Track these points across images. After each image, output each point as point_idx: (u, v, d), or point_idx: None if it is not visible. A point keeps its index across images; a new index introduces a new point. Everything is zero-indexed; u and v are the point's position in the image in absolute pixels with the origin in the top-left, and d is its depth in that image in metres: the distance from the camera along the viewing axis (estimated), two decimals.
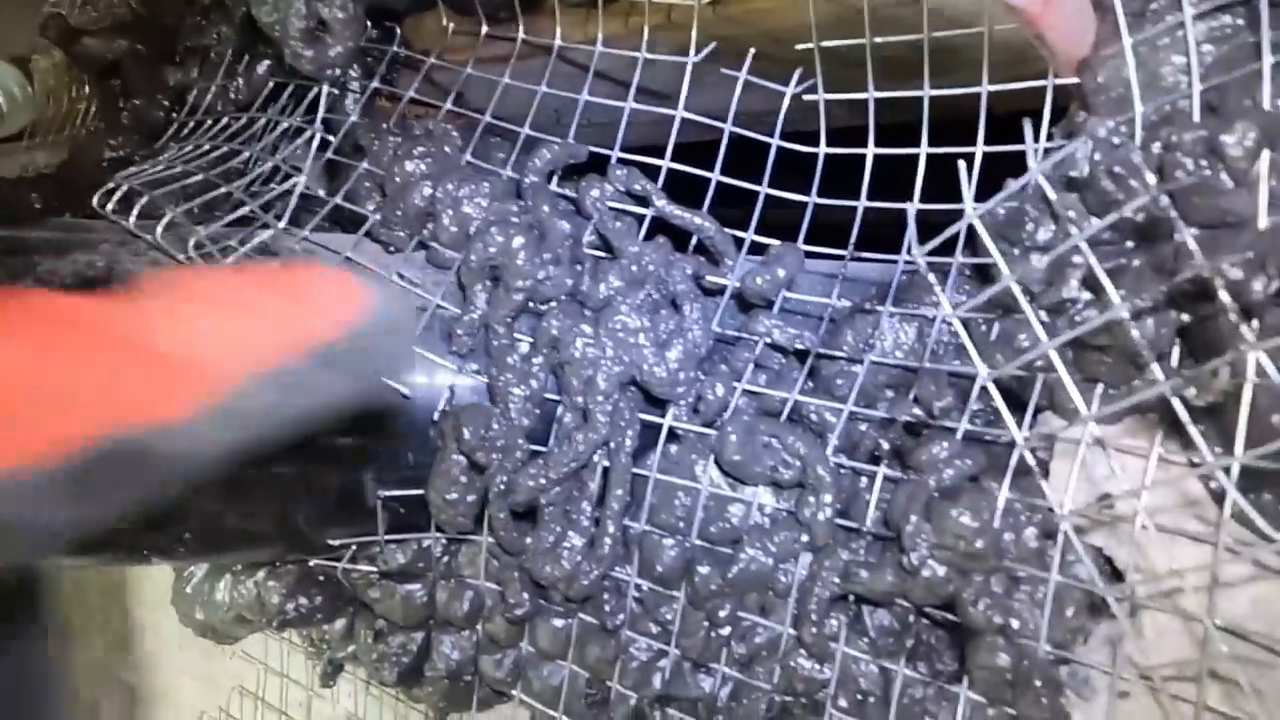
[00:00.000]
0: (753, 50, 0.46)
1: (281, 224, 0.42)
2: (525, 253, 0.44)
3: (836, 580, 0.40)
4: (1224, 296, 0.27)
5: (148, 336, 0.30)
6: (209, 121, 0.55)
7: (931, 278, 0.37)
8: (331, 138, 0.46)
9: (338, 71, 0.46)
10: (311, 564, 0.50)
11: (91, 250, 0.43)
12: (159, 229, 0.42)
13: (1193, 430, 0.29)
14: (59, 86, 0.83)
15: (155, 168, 0.50)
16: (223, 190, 0.45)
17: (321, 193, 0.49)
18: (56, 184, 0.62)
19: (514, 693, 0.47)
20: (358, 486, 0.45)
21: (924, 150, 0.43)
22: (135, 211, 0.43)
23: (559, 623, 0.46)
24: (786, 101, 0.46)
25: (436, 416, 0.44)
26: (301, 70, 0.46)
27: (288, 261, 0.37)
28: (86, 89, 0.73)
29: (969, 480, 0.37)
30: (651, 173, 0.47)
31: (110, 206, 0.48)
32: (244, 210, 0.43)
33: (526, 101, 0.49)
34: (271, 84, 0.52)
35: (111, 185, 0.47)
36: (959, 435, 0.37)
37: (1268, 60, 0.30)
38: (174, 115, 0.58)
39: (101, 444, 0.27)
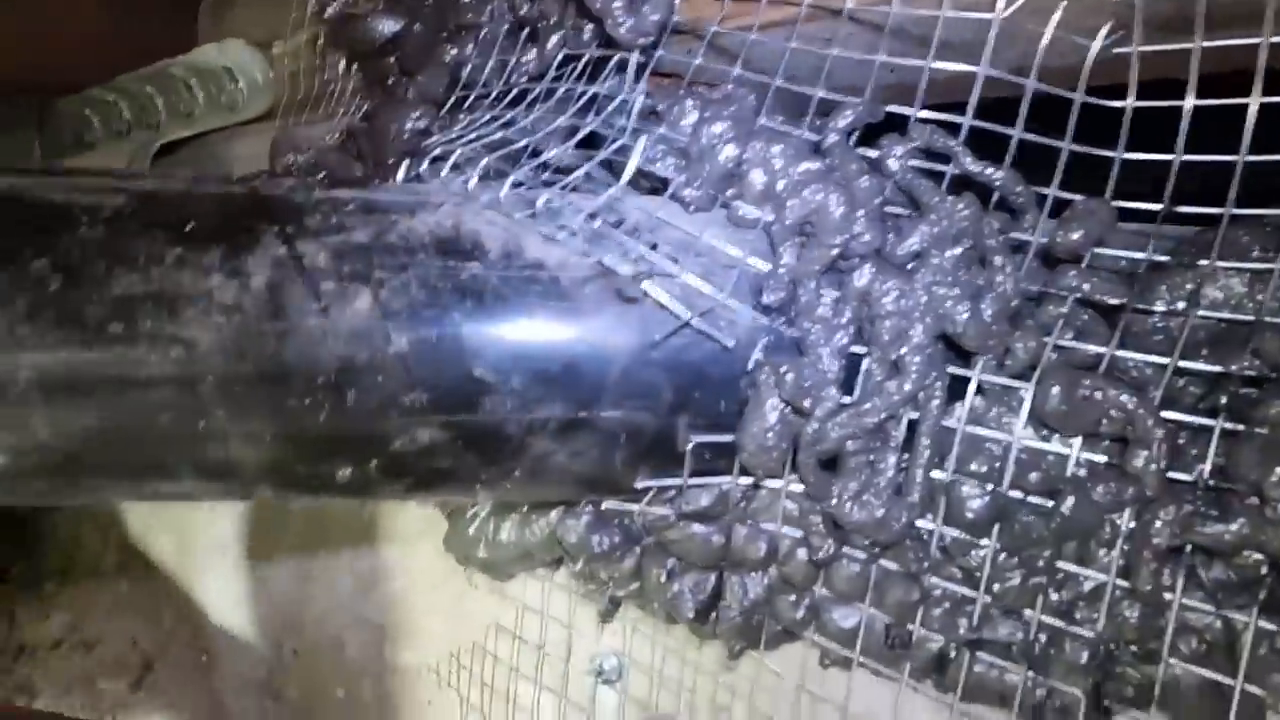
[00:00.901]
0: (1063, 3, 0.46)
1: (623, 182, 0.45)
2: (839, 209, 0.45)
3: (1174, 531, 0.40)
4: None
5: None
6: (493, 93, 0.59)
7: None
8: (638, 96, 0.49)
9: (651, 39, 0.49)
10: (604, 505, 0.54)
11: (434, 211, 0.47)
12: (504, 188, 0.46)
13: None
14: (302, 70, 0.90)
15: (462, 136, 0.54)
16: (550, 154, 0.48)
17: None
18: (345, 156, 0.67)
19: (807, 633, 0.49)
20: (672, 432, 0.47)
21: (1256, 100, 0.42)
22: (476, 173, 0.47)
23: (858, 568, 0.48)
24: (1093, 52, 0.45)
25: (751, 366, 0.46)
26: (619, 39, 0.49)
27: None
28: (341, 71, 0.79)
29: None
30: (949, 129, 0.48)
31: (425, 171, 0.52)
32: (580, 172, 0.46)
33: (810, 63, 0.51)
34: (561, 55, 0.55)
35: (437, 152, 0.51)
36: None
37: None
38: (453, 90, 0.62)
39: None
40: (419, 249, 0.45)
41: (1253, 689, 0.38)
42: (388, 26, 0.69)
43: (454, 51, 0.64)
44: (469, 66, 0.63)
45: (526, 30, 0.60)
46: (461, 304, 0.44)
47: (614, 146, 0.47)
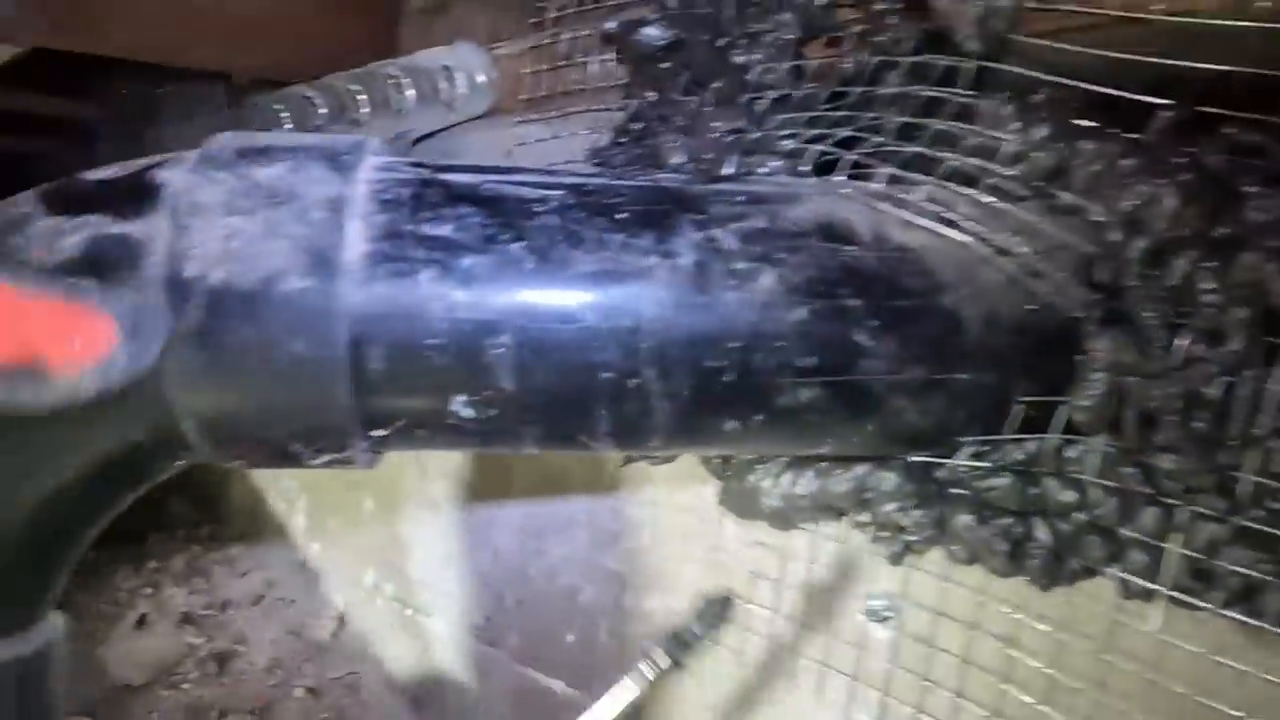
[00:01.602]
0: None
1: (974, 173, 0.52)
2: (1170, 203, 0.52)
3: None
4: None
5: None
6: (788, 98, 0.66)
7: None
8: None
9: (996, 45, 0.56)
10: (910, 458, 0.61)
11: (808, 200, 0.55)
12: (878, 183, 0.53)
13: None
14: (529, 73, 0.98)
15: (794, 133, 0.62)
16: (897, 151, 0.56)
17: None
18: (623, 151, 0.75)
19: (1110, 571, 0.57)
20: (1008, 393, 0.55)
21: None
22: (846, 168, 0.55)
23: (1159, 511, 0.55)
24: None
25: (1083, 335, 0.53)
26: (964, 46, 0.56)
27: None
28: (592, 71, 0.87)
29: None
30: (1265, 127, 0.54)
31: (772, 165, 0.60)
32: (946, 166, 0.54)
33: (1116, 68, 0.57)
34: (877, 62, 0.62)
35: (786, 147, 0.59)
36: None
37: None
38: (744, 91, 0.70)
39: None
40: (807, 233, 0.53)
41: None
42: (663, 35, 0.77)
43: (742, 58, 0.71)
44: (756, 70, 0.70)
45: (823, 34, 0.67)
46: (844, 280, 0.52)
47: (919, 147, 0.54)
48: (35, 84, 1.43)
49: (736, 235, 0.52)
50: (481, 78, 1.06)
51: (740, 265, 0.51)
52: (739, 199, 0.54)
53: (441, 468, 1.12)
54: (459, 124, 1.07)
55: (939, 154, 0.57)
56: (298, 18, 1.23)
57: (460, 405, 0.50)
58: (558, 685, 0.99)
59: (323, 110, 1.28)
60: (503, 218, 0.50)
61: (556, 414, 0.52)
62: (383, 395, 0.49)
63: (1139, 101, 0.56)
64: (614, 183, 0.55)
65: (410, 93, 1.16)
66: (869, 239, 0.53)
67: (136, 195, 0.48)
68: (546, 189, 0.52)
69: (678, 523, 0.84)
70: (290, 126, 1.32)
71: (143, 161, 0.51)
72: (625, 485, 0.89)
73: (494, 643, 1.07)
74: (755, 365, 0.52)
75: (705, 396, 0.52)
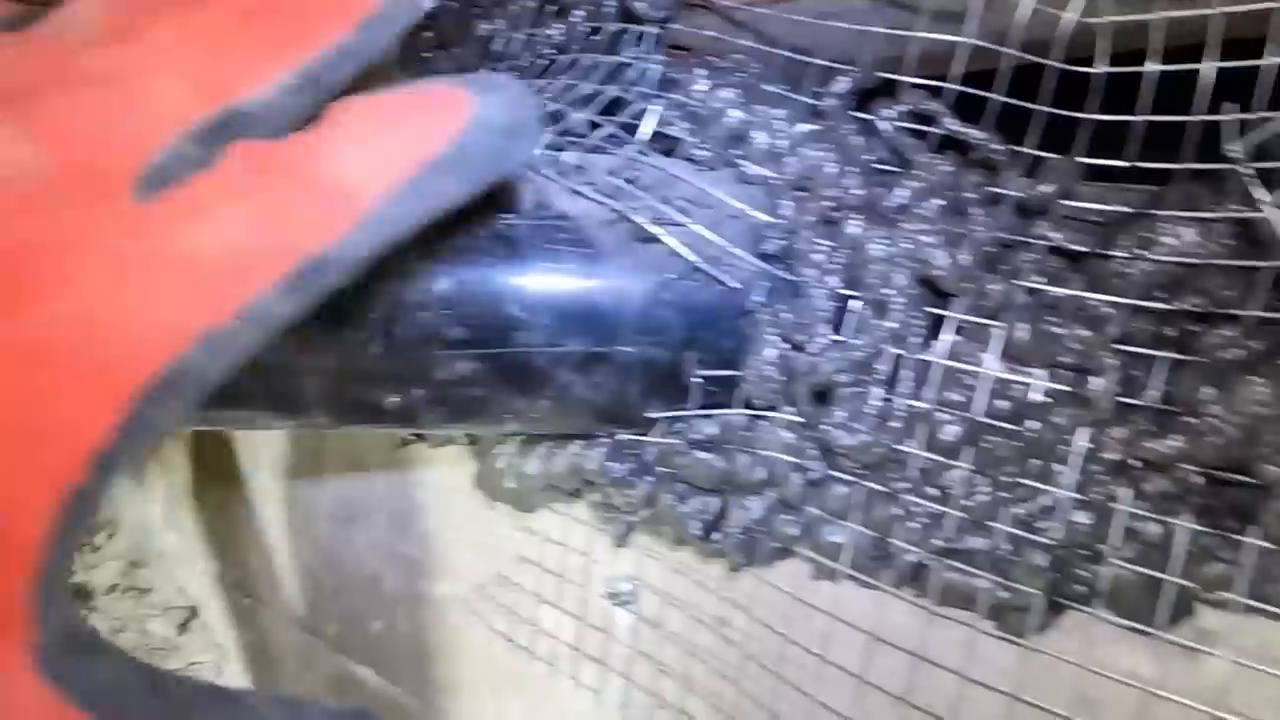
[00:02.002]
0: None
1: (639, 140, 0.50)
2: (832, 167, 0.51)
3: (1122, 449, 0.45)
4: None
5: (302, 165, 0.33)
6: (522, 63, 0.64)
7: (1248, 177, 0.41)
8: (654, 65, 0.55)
9: (665, 14, 0.54)
10: (618, 437, 0.60)
11: None
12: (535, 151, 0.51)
13: None
14: None
15: None
16: (574, 118, 0.54)
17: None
18: None
19: (801, 549, 0.55)
20: (681, 367, 0.53)
21: (1214, 64, 0.46)
22: None
23: (845, 489, 0.53)
24: (1069, 25, 0.50)
25: (752, 307, 0.52)
26: (638, 13, 0.54)
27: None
28: None
29: (1261, 357, 0.42)
30: (934, 93, 0.53)
31: None
32: (600, 133, 0.52)
33: (812, 34, 0.56)
34: (588, 27, 0.60)
35: None
36: (1251, 321, 0.42)
37: None
38: (486, 61, 0.68)
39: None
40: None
41: (1186, 582, 0.43)
42: (427, 3, 0.74)
43: (486, 25, 0.69)
44: (498, 40, 0.68)
45: (555, 5, 0.65)
46: (497, 249, 0.50)
47: (631, 111, 0.53)
48: None
49: None
50: None
51: None
52: None
53: (269, 453, 1.10)
54: None
55: (634, 122, 0.55)
56: None
57: None
58: (368, 674, 0.98)
59: None
60: None
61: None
62: None
63: (826, 65, 0.55)
64: None
65: None
66: (529, 207, 0.51)
67: None
68: None
69: (457, 506, 0.82)
70: None
71: None
72: (414, 468, 0.87)
73: (315, 631, 1.06)
74: (402, 337, 0.50)
75: (354, 370, 0.50)
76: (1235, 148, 0.40)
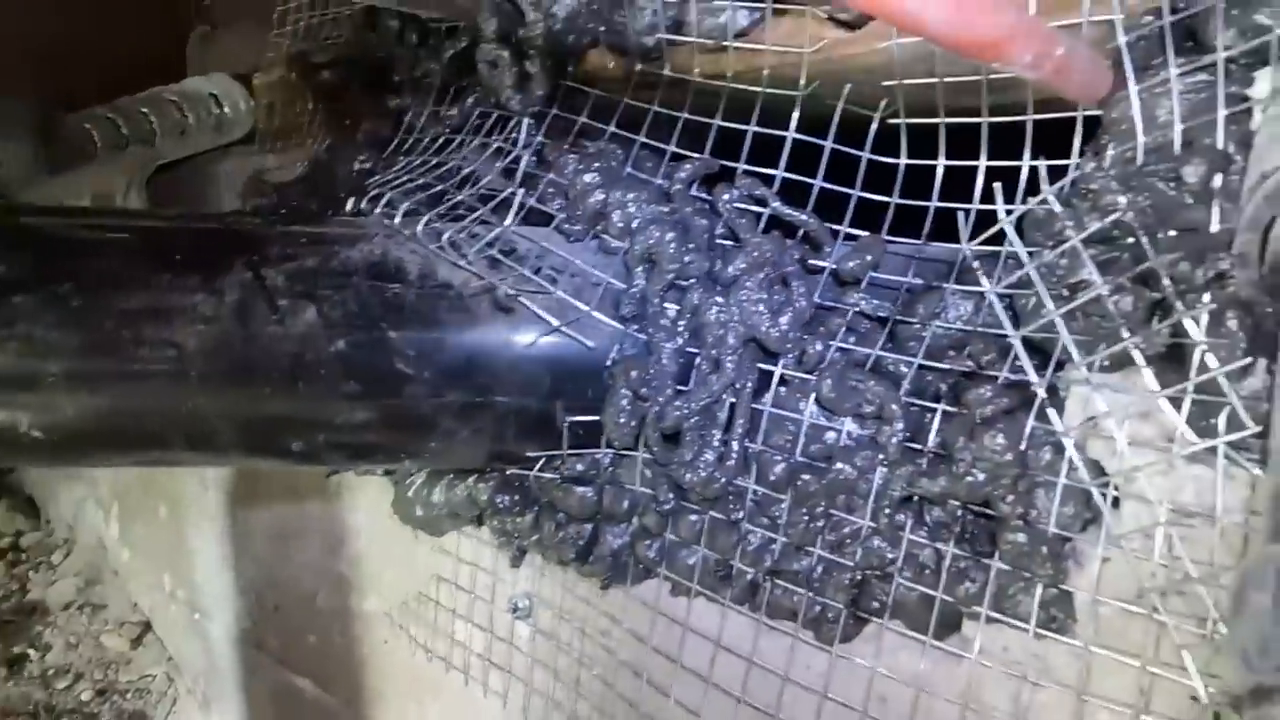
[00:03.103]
0: (848, 85, 0.59)
1: (509, 224, 0.59)
2: (674, 244, 0.59)
3: (904, 486, 0.54)
4: (1165, 281, 0.40)
5: None
6: (425, 139, 0.72)
7: (975, 264, 0.50)
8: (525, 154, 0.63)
9: (537, 108, 0.62)
10: (508, 472, 0.68)
11: (369, 242, 0.61)
12: (419, 226, 0.60)
13: (1146, 371, 0.42)
14: (277, 102, 1.03)
15: (396, 177, 0.67)
16: (459, 198, 0.62)
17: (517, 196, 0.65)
18: (309, 186, 0.81)
19: (660, 570, 0.64)
20: (551, 413, 0.61)
21: (983, 163, 0.55)
22: (400, 211, 0.61)
23: (694, 518, 0.62)
24: (875, 124, 0.59)
25: (609, 363, 0.60)
26: (510, 109, 0.62)
27: None
28: (310, 106, 0.92)
29: (1005, 413, 0.51)
30: (767, 180, 0.61)
31: (365, 206, 0.66)
32: (479, 214, 0.60)
33: (670, 123, 0.64)
34: (478, 113, 0.69)
35: (374, 191, 0.65)
36: (999, 381, 0.51)
37: (1221, 112, 0.42)
38: (396, 134, 0.76)
39: None
40: (355, 272, 0.59)
41: (948, 598, 0.52)
42: (337, 75, 0.83)
43: (395, 101, 0.77)
44: (409, 115, 0.77)
45: (451, 89, 0.74)
46: (386, 315, 0.58)
47: (505, 194, 0.61)
48: None
49: (285, 274, 0.58)
50: (242, 105, 1.11)
51: (283, 302, 0.57)
52: (301, 240, 0.60)
53: (215, 478, 1.16)
54: (220, 149, 1.12)
55: (499, 195, 0.63)
56: (96, 45, 1.28)
57: (28, 427, 0.56)
58: (306, 685, 1.05)
59: (124, 131, 1.33)
60: (56, 260, 0.55)
61: (124, 437, 0.58)
62: None
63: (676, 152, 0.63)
64: (185, 225, 0.60)
65: (190, 116, 1.21)
66: (414, 277, 0.59)
67: None
68: (114, 232, 0.58)
69: (383, 528, 0.90)
70: (100, 144, 1.36)
71: None
72: (346, 497, 0.95)
73: (259, 645, 1.12)
74: (304, 391, 0.58)
75: (263, 417, 0.58)
76: (970, 244, 0.49)
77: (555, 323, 0.58)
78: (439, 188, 0.64)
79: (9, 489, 1.59)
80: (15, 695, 1.23)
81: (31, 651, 1.31)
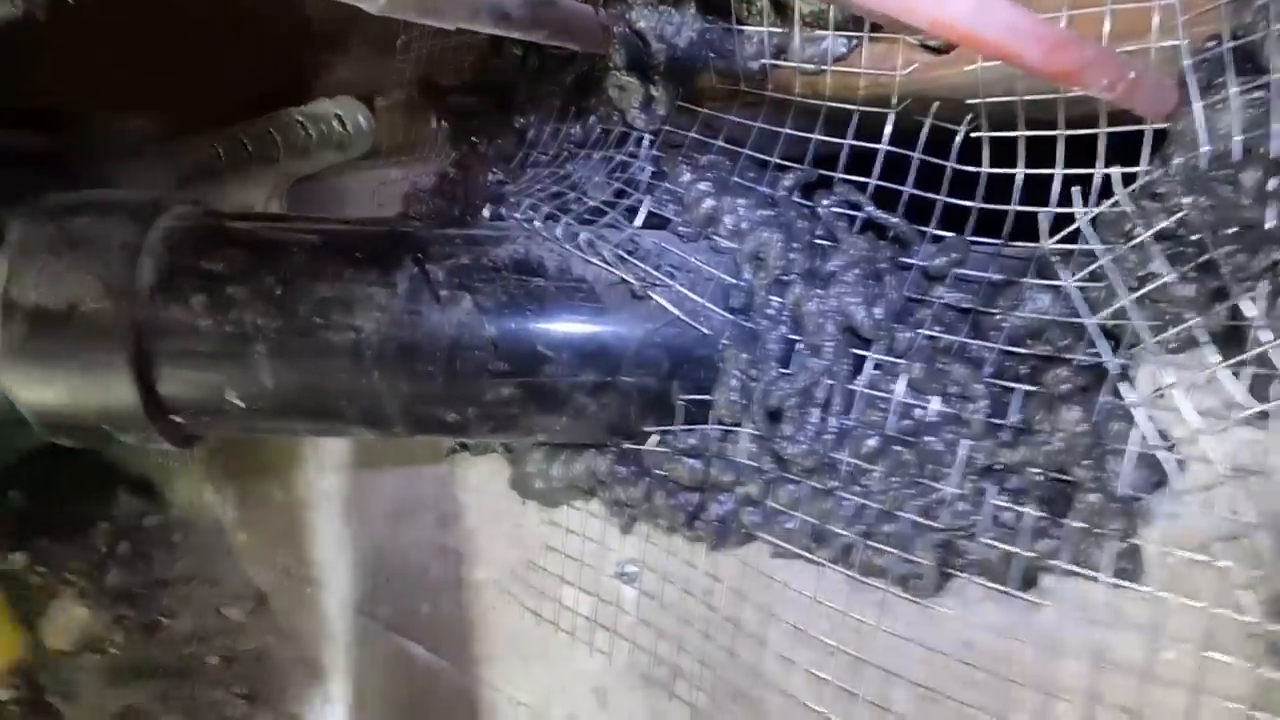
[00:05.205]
0: (935, 103, 0.67)
1: (635, 226, 0.68)
2: (780, 244, 0.68)
3: (988, 456, 0.61)
4: (1225, 270, 0.47)
5: None
6: (550, 154, 0.82)
7: (1055, 260, 0.57)
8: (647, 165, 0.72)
9: (659, 126, 0.71)
10: (624, 447, 0.76)
11: (513, 242, 0.71)
12: (558, 229, 0.69)
13: (1208, 348, 0.49)
14: (398, 122, 1.15)
15: (529, 187, 0.77)
16: (591, 203, 0.71)
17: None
18: (441, 196, 0.91)
19: (762, 534, 0.71)
20: (668, 393, 0.70)
21: (1059, 171, 0.62)
22: (540, 216, 0.70)
23: (793, 487, 0.70)
24: (960, 137, 0.67)
25: (721, 348, 0.69)
26: (635, 127, 0.71)
27: None
28: (435, 125, 1.03)
29: (1079, 390, 0.58)
30: (861, 187, 0.69)
31: (504, 212, 0.76)
32: (608, 218, 0.69)
33: (772, 137, 0.73)
34: (599, 130, 0.78)
35: (513, 199, 0.75)
36: (1074, 362, 0.58)
37: (1275, 125, 0.49)
38: (520, 149, 0.86)
39: None
40: (503, 268, 0.68)
41: (1028, 554, 0.59)
42: (469, 101, 0.93)
43: (521, 120, 0.87)
44: (532, 131, 0.86)
45: (571, 109, 0.83)
46: (530, 304, 0.67)
47: (633, 199, 0.70)
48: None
49: (445, 269, 0.67)
50: (363, 125, 1.23)
51: (444, 292, 0.67)
52: (456, 241, 0.70)
53: (332, 461, 1.28)
54: (345, 163, 1.24)
55: (623, 202, 0.72)
56: (214, 73, 1.41)
57: (232, 398, 0.66)
58: (418, 650, 1.15)
59: (250, 149, 1.46)
60: (263, 257, 0.66)
61: (310, 406, 0.68)
62: (167, 391, 0.65)
63: (780, 163, 0.72)
64: (360, 229, 0.71)
65: (313, 135, 1.33)
66: (553, 272, 0.69)
67: None
68: (307, 235, 0.68)
69: (492, 505, 0.99)
70: (223, 163, 1.50)
71: None
72: (458, 472, 1.04)
73: (372, 614, 1.23)
74: (459, 369, 0.67)
75: (424, 393, 0.68)
76: (1050, 241, 0.56)
77: (676, 312, 0.67)
78: (571, 195, 0.73)
79: (130, 475, 1.74)
80: (154, 658, 1.36)
81: (163, 620, 1.44)
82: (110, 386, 0.63)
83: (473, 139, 0.94)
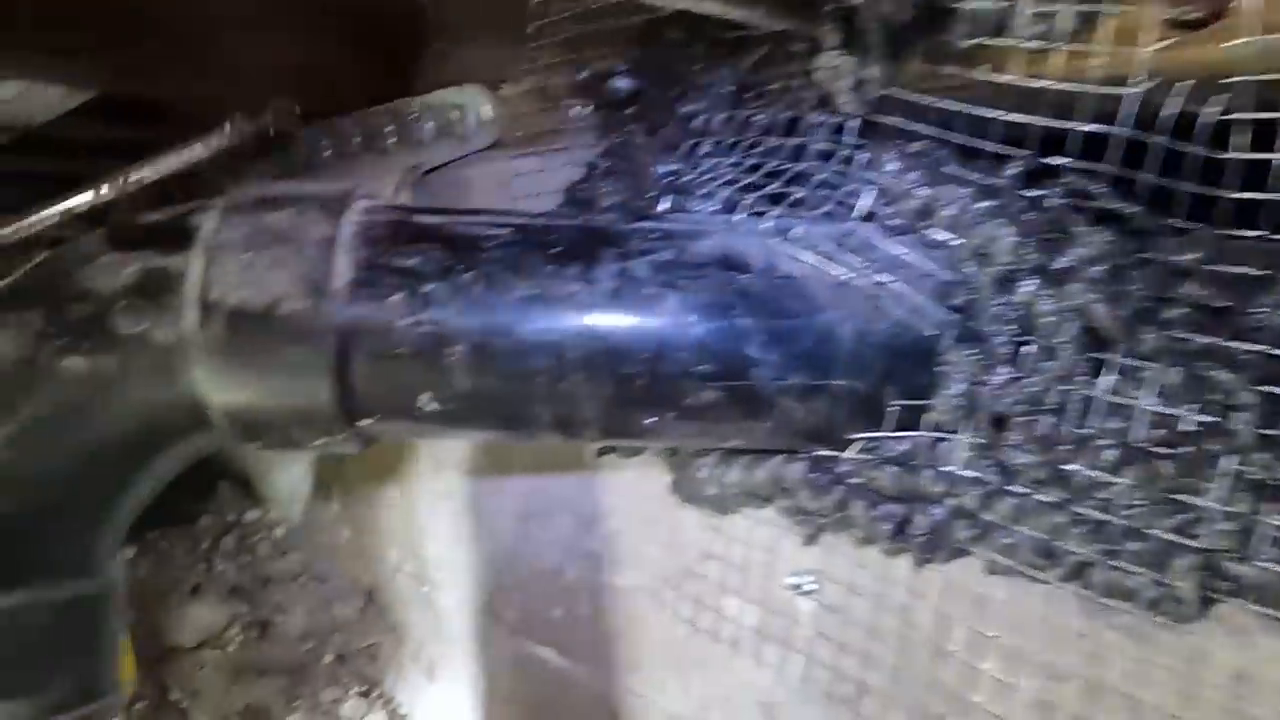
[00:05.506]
0: (1185, 82, 0.61)
1: (852, 220, 0.63)
2: (1007, 238, 0.62)
3: (1263, 470, 0.55)
4: None
5: None
6: (727, 142, 0.78)
7: None
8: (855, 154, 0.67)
9: (867, 110, 0.67)
10: (819, 453, 0.72)
11: (710, 236, 0.66)
12: (766, 223, 0.65)
13: None
14: (530, 111, 1.11)
15: (713, 177, 0.73)
16: (796, 195, 0.67)
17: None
18: (591, 188, 0.87)
19: (978, 549, 0.67)
20: (879, 397, 0.65)
21: None
22: (742, 207, 0.66)
23: (1016, 500, 0.65)
24: (1210, 119, 0.61)
25: (942, 349, 0.64)
26: (843, 110, 0.67)
27: None
28: (574, 113, 0.99)
29: None
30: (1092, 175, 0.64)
31: (690, 204, 0.72)
32: (820, 210, 0.65)
33: (985, 124, 0.67)
34: (787, 115, 0.73)
35: (702, 190, 0.70)
36: None
37: None
38: (686, 138, 0.81)
39: None
40: (707, 263, 0.64)
41: None
42: (628, 85, 0.89)
43: (688, 107, 0.83)
44: (701, 118, 0.82)
45: (748, 94, 0.79)
46: (737, 303, 0.63)
47: (844, 189, 0.65)
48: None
49: (648, 265, 0.64)
50: (486, 115, 1.20)
51: (649, 290, 0.63)
52: (654, 235, 0.66)
53: (451, 459, 1.25)
54: (467, 155, 1.21)
55: (827, 194, 0.68)
56: (330, 64, 1.39)
57: (426, 400, 0.63)
58: (549, 654, 1.12)
59: (357, 140, 1.44)
60: (458, 253, 0.63)
61: (505, 409, 0.65)
62: (363, 393, 0.62)
63: (998, 150, 0.66)
64: (552, 223, 0.67)
65: (428, 126, 1.31)
66: (760, 268, 0.64)
67: (177, 235, 0.62)
68: (498, 229, 0.65)
69: (643, 509, 0.96)
70: (329, 154, 1.48)
71: (182, 208, 0.65)
72: (602, 474, 1.01)
73: (495, 616, 1.20)
74: (662, 372, 0.63)
75: (623, 397, 0.64)
76: None
77: (895, 311, 0.62)
78: (770, 186, 0.69)
79: (229, 471, 1.74)
80: (272, 656, 1.36)
81: (276, 617, 1.44)
82: (309, 388, 0.61)
83: (628, 128, 0.90)
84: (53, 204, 1.36)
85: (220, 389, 0.61)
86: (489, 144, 1.20)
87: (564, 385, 0.63)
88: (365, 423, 0.64)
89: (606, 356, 0.63)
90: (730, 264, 0.64)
